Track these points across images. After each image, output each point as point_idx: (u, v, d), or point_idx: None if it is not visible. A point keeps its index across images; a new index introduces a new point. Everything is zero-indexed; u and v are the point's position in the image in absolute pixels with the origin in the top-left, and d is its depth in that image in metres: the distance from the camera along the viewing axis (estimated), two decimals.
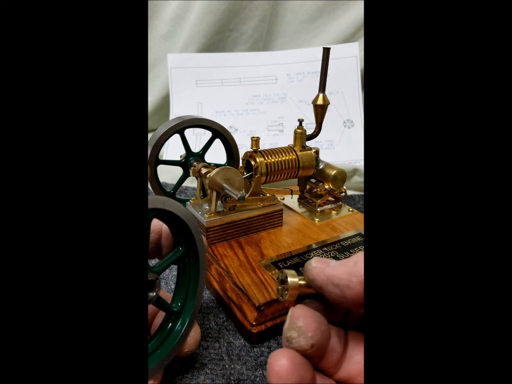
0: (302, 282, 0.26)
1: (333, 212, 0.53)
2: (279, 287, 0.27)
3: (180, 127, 0.46)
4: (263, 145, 0.75)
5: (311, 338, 0.23)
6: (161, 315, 0.31)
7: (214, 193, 0.43)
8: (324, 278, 0.24)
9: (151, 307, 0.31)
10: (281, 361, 0.22)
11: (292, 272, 0.26)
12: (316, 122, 0.52)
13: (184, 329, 0.29)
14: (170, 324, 0.29)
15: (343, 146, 0.76)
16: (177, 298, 0.30)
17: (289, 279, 0.25)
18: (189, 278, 0.30)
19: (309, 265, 0.25)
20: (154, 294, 0.27)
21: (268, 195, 0.47)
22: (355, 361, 0.25)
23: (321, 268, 0.24)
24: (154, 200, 0.26)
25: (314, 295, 0.26)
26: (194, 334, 0.30)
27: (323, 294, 0.24)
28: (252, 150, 0.47)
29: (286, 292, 0.26)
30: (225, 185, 0.42)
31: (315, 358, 0.24)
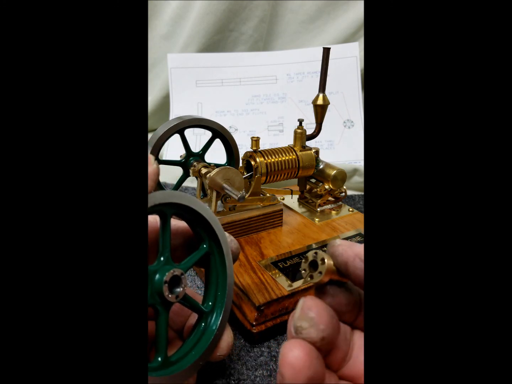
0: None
1: (333, 212, 0.53)
2: (306, 269, 0.25)
3: (180, 127, 0.46)
4: (263, 145, 0.75)
5: (322, 331, 0.22)
6: (194, 316, 0.30)
7: (214, 193, 0.43)
8: (352, 254, 0.23)
9: (184, 309, 0.30)
10: (295, 352, 0.21)
11: (327, 255, 0.25)
12: (316, 122, 0.52)
13: (217, 328, 0.28)
14: (203, 324, 0.29)
15: (343, 146, 0.76)
16: (207, 298, 0.30)
17: (327, 262, 0.24)
18: (217, 277, 0.30)
19: (334, 243, 0.25)
20: (181, 289, 0.26)
21: (268, 195, 0.47)
22: (360, 361, 0.24)
23: (348, 245, 0.24)
24: (170, 195, 0.25)
25: (338, 283, 0.25)
26: (227, 337, 0.29)
27: (347, 271, 0.23)
28: (252, 150, 0.47)
29: (319, 274, 0.24)
30: (225, 185, 0.42)
31: (322, 352, 0.23)
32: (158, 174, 0.25)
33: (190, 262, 0.28)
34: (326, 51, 0.49)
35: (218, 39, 0.85)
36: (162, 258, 0.26)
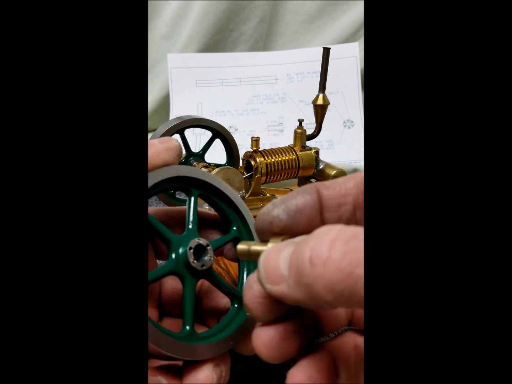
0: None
1: None
2: None
3: (180, 127, 0.46)
4: (263, 145, 0.75)
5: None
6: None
7: None
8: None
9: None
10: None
11: None
12: (316, 122, 0.52)
13: None
14: (236, 305, 0.28)
15: (343, 146, 0.76)
16: (239, 282, 0.29)
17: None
18: (248, 261, 0.29)
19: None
20: (208, 258, 0.25)
21: (268, 195, 0.47)
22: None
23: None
24: (195, 171, 0.26)
25: None
26: None
27: None
28: (252, 150, 0.47)
29: None
30: None
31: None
32: (181, 149, 0.26)
33: (219, 242, 0.28)
34: (326, 51, 0.49)
35: (218, 39, 0.85)
36: (190, 226, 0.27)
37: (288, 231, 0.21)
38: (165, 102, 0.86)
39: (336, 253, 0.17)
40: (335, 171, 0.51)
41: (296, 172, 0.50)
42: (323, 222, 0.22)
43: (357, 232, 0.18)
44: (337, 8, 0.85)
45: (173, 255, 0.25)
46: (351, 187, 0.22)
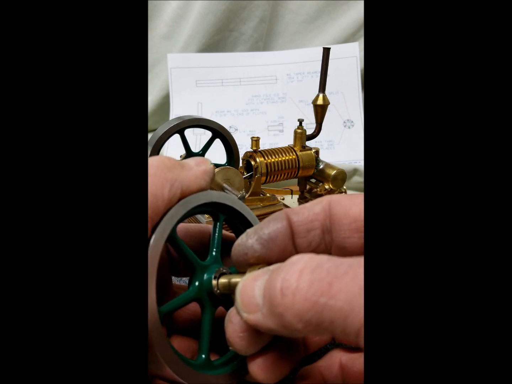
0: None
1: None
2: None
3: (180, 127, 0.46)
4: (263, 145, 0.75)
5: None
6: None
7: None
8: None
9: None
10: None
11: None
12: (316, 122, 0.52)
13: None
14: None
15: (343, 146, 0.76)
16: None
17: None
18: None
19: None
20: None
21: (268, 195, 0.47)
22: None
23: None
24: (224, 197, 0.26)
25: None
26: None
27: None
28: (252, 150, 0.47)
29: None
30: (225, 185, 0.43)
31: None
32: (214, 171, 0.25)
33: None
34: (326, 51, 0.49)
35: (218, 39, 0.85)
36: (214, 253, 0.26)
37: (263, 260, 0.22)
38: (165, 102, 0.86)
39: (303, 283, 0.18)
40: (335, 171, 0.51)
41: (296, 172, 0.50)
42: (295, 248, 0.22)
43: (322, 261, 0.18)
44: (337, 8, 0.85)
45: (197, 283, 0.25)
46: (318, 212, 0.22)
